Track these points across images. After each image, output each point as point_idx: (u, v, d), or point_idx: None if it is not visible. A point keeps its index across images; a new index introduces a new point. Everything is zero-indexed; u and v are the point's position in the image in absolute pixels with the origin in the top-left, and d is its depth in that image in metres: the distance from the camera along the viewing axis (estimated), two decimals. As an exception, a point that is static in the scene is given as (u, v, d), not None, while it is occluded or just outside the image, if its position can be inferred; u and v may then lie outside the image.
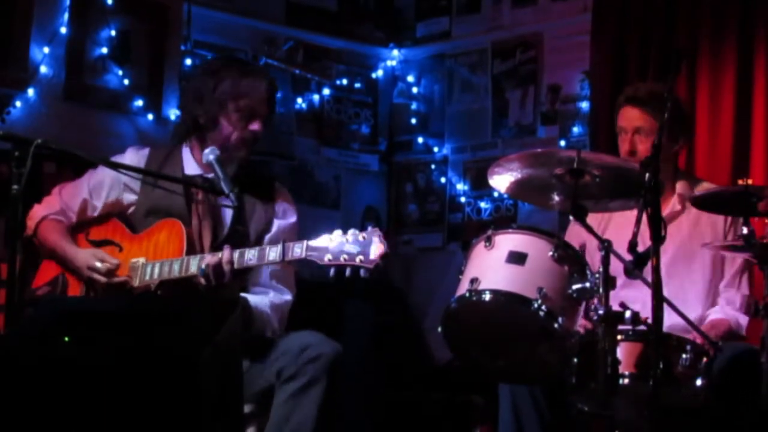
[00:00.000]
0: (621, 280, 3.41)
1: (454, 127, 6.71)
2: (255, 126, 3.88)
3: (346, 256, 3.46)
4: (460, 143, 6.66)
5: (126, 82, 5.76)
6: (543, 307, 3.34)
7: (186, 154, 3.98)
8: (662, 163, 3.30)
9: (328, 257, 3.49)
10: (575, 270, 3.43)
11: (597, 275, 3.33)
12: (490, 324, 3.48)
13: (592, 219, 3.54)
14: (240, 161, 3.90)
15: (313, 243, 3.51)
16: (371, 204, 6.83)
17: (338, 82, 6.69)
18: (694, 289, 4.09)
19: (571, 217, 3.49)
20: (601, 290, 3.30)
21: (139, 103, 5.80)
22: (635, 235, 3.13)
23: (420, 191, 6.82)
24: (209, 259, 3.62)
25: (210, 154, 3.80)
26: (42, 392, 2.77)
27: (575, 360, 3.42)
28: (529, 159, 3.50)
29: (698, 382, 3.46)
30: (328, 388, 3.60)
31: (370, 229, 3.50)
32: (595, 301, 3.33)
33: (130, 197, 3.95)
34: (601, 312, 3.26)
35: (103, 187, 3.96)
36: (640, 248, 3.13)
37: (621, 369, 3.31)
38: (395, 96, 6.93)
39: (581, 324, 3.52)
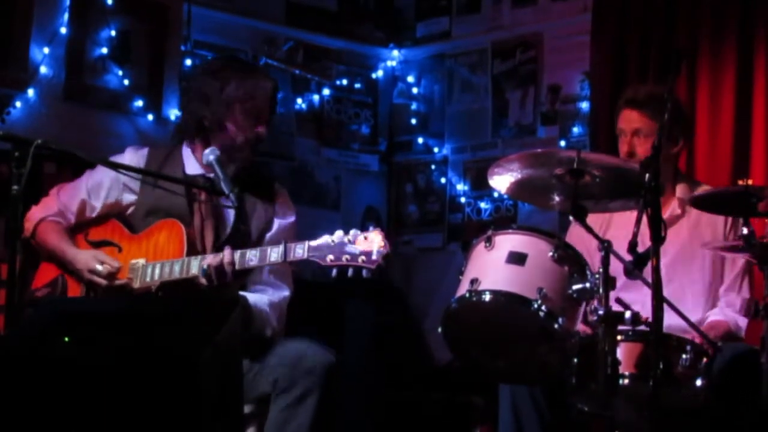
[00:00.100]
0: (621, 280, 3.41)
1: (454, 127, 6.71)
2: (261, 128, 3.90)
3: (348, 257, 3.47)
4: (460, 143, 6.66)
5: (126, 82, 5.76)
6: (543, 308, 3.34)
7: (187, 154, 3.97)
8: (662, 165, 3.30)
9: (330, 257, 3.49)
10: (575, 270, 3.43)
11: (597, 276, 3.33)
12: (490, 324, 3.48)
13: (593, 220, 3.54)
14: (244, 162, 3.90)
15: (315, 243, 3.52)
16: (371, 204, 6.83)
17: (338, 82, 6.69)
18: (694, 291, 4.09)
19: (571, 218, 3.50)
20: (601, 291, 3.29)
21: (139, 103, 5.80)
22: (635, 235, 3.13)
23: (420, 191, 6.82)
24: (210, 259, 3.62)
25: (210, 154, 3.80)
26: (42, 392, 2.77)
27: (575, 360, 3.42)
28: (529, 159, 3.50)
29: (698, 382, 3.46)
30: (323, 399, 3.60)
31: (372, 229, 3.50)
32: (595, 301, 3.33)
33: (129, 198, 3.95)
34: (601, 312, 3.26)
35: (102, 187, 3.95)
36: (640, 249, 3.13)
37: (621, 369, 3.31)
38: (395, 96, 6.93)
39: (580, 329, 3.51)
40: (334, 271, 3.50)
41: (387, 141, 6.91)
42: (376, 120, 6.87)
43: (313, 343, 3.72)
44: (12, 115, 5.40)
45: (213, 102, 3.87)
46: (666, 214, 4.07)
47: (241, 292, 3.81)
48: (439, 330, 3.50)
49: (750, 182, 3.52)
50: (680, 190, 4.19)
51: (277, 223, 3.95)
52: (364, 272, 3.47)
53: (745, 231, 3.56)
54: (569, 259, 3.44)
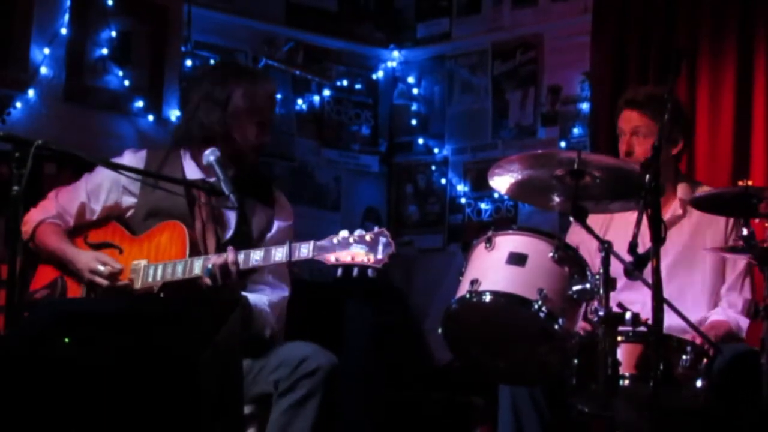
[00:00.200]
0: (621, 281, 3.41)
1: (454, 128, 6.71)
2: (267, 137, 3.93)
3: (353, 256, 3.47)
4: (461, 144, 6.66)
5: (126, 83, 5.76)
6: (543, 309, 3.34)
7: (186, 159, 3.97)
8: (662, 166, 3.30)
9: (335, 257, 3.49)
10: (576, 271, 3.43)
11: (597, 276, 3.33)
12: (491, 325, 3.48)
13: (593, 220, 3.54)
14: (247, 167, 3.91)
15: (320, 243, 3.52)
16: (372, 205, 6.83)
17: (338, 83, 6.69)
18: (695, 292, 4.09)
19: (571, 219, 3.50)
20: (601, 291, 3.29)
21: (140, 104, 5.80)
22: (635, 236, 3.13)
23: (420, 192, 6.82)
24: (215, 259, 3.62)
25: (210, 155, 3.80)
26: (42, 392, 2.77)
27: (575, 361, 3.42)
28: (529, 160, 3.50)
29: (698, 383, 3.46)
30: (325, 402, 3.61)
31: (376, 229, 3.51)
32: (596, 302, 3.33)
33: (129, 200, 3.94)
34: (601, 313, 3.26)
35: (101, 190, 3.95)
36: (641, 249, 3.13)
37: (621, 370, 3.31)
38: (395, 97, 6.93)
39: (580, 326, 3.52)
40: (340, 271, 3.51)
41: (387, 142, 6.91)
42: (376, 121, 6.87)
43: (314, 346, 3.73)
44: (12, 116, 5.40)
45: (219, 111, 3.86)
46: (667, 215, 4.08)
47: (242, 293, 3.81)
48: (440, 330, 3.50)
49: (750, 183, 3.52)
50: (681, 190, 4.19)
51: (276, 225, 3.96)
52: (370, 272, 3.48)
53: (745, 232, 3.56)
54: (569, 260, 3.44)
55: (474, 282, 3.42)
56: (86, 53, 5.69)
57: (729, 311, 4.04)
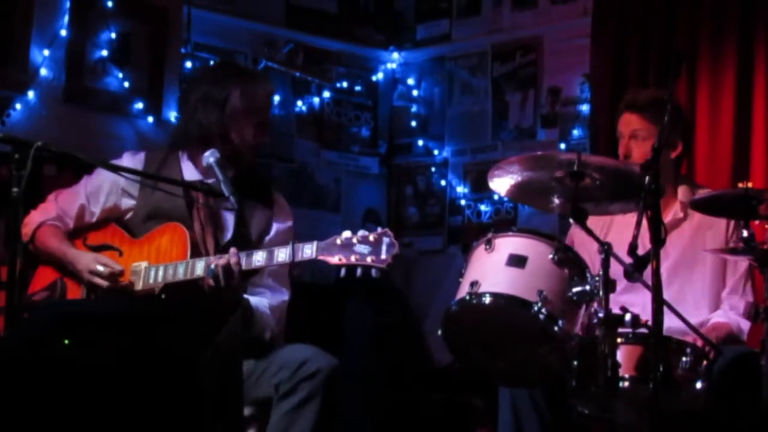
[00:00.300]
0: (622, 283, 3.41)
1: (454, 129, 6.71)
2: (265, 138, 3.92)
3: (357, 256, 3.47)
4: (460, 146, 6.66)
5: (126, 84, 5.76)
6: (543, 310, 3.34)
7: (184, 160, 3.97)
8: (662, 168, 3.30)
9: (338, 257, 3.49)
10: (575, 273, 3.43)
11: (597, 278, 3.33)
12: (491, 326, 3.48)
13: (593, 222, 3.54)
14: (246, 167, 3.91)
15: (323, 244, 3.52)
16: (371, 207, 6.84)
17: (338, 84, 6.70)
18: (696, 294, 4.09)
19: (571, 220, 3.50)
20: (601, 293, 3.29)
21: (140, 105, 5.80)
22: (635, 238, 3.13)
23: (420, 194, 6.82)
24: (217, 260, 3.62)
25: (210, 156, 3.80)
26: (42, 393, 2.77)
27: (575, 363, 3.42)
28: (529, 162, 3.50)
29: (698, 385, 3.46)
30: (325, 404, 3.61)
31: (380, 230, 3.51)
32: (595, 304, 3.33)
33: (128, 202, 3.94)
34: (601, 315, 3.26)
35: (100, 192, 3.95)
36: (641, 251, 3.13)
37: (621, 372, 3.31)
38: (395, 99, 6.93)
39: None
40: (343, 271, 3.51)
41: (387, 143, 6.91)
42: (376, 122, 6.88)
43: (314, 348, 3.73)
44: (12, 117, 5.41)
45: (217, 112, 3.87)
46: (668, 218, 4.07)
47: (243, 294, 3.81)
48: (439, 332, 3.51)
49: (750, 185, 3.52)
50: (682, 193, 4.18)
51: (275, 227, 3.96)
52: (373, 272, 3.48)
53: (745, 234, 3.56)
54: (569, 262, 3.44)
55: (474, 284, 3.42)
56: (86, 55, 5.69)
57: (730, 313, 4.04)
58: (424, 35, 6.86)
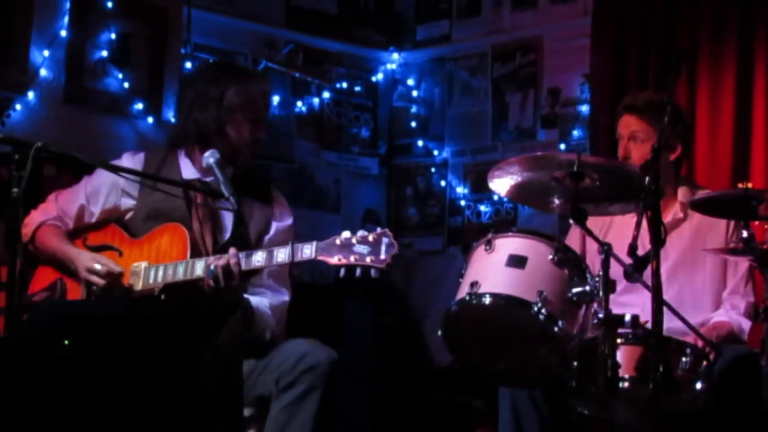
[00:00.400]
0: (622, 283, 3.41)
1: (454, 130, 6.71)
2: (261, 133, 3.92)
3: (356, 256, 3.47)
4: (460, 146, 6.66)
5: (126, 85, 5.76)
6: (543, 311, 3.34)
7: (183, 159, 3.98)
8: (661, 169, 3.30)
9: (337, 257, 3.49)
10: (575, 273, 3.43)
11: (597, 279, 3.33)
12: (490, 327, 3.48)
13: (593, 223, 3.54)
14: (244, 166, 3.92)
15: (323, 244, 3.52)
16: (371, 207, 6.84)
17: (338, 85, 6.70)
18: (696, 294, 4.09)
19: (571, 221, 3.50)
20: (601, 294, 3.29)
21: (139, 106, 5.80)
22: (635, 238, 3.13)
23: (420, 194, 6.82)
24: (217, 261, 3.62)
25: (210, 157, 3.80)
26: (42, 393, 2.77)
27: (575, 363, 3.42)
28: (529, 162, 3.51)
29: (698, 385, 3.46)
30: (325, 397, 3.61)
31: (379, 230, 3.51)
32: (595, 304, 3.33)
33: (128, 202, 3.95)
34: (601, 315, 3.26)
35: (100, 193, 3.96)
36: (640, 252, 3.13)
37: (621, 372, 3.31)
38: (395, 99, 6.93)
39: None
40: (342, 271, 3.51)
41: (387, 144, 6.91)
42: (376, 123, 6.88)
43: (314, 341, 3.73)
44: (12, 118, 5.40)
45: (213, 108, 3.88)
46: (668, 218, 4.08)
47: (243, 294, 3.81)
48: (439, 332, 3.51)
49: (750, 185, 3.52)
50: (682, 193, 4.19)
51: (274, 226, 3.96)
52: (373, 272, 3.48)
53: (744, 234, 3.56)
54: (569, 262, 3.45)
55: (474, 284, 3.42)
56: (86, 55, 5.69)
57: (731, 313, 4.04)
58: (424, 36, 6.86)
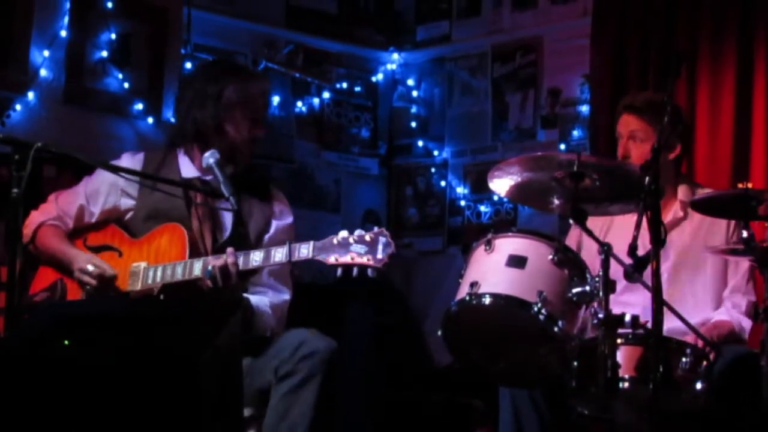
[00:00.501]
0: (622, 284, 3.41)
1: (454, 130, 6.71)
2: (260, 131, 3.92)
3: (353, 256, 3.47)
4: (460, 147, 6.66)
5: (126, 85, 5.76)
6: (543, 311, 3.34)
7: (182, 157, 3.98)
8: (661, 168, 3.30)
9: (334, 257, 3.49)
10: (575, 273, 3.43)
11: (597, 279, 3.33)
12: (490, 327, 3.48)
13: (593, 223, 3.54)
14: (243, 164, 3.92)
15: (320, 243, 3.52)
16: (371, 207, 6.84)
17: (338, 85, 6.70)
18: (696, 294, 4.09)
19: (571, 221, 3.50)
20: (601, 294, 3.29)
21: (140, 106, 5.80)
22: (635, 238, 3.13)
23: (420, 195, 6.82)
24: (215, 261, 3.62)
25: (210, 157, 3.80)
26: (42, 393, 2.77)
27: (575, 363, 3.42)
28: (529, 162, 3.51)
29: (698, 385, 3.46)
30: (324, 384, 3.61)
31: (376, 229, 3.51)
32: (595, 304, 3.33)
33: (127, 202, 3.95)
34: (600, 316, 3.26)
35: (100, 193, 3.96)
36: (640, 252, 3.13)
37: (621, 372, 3.31)
38: (395, 99, 6.93)
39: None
40: (339, 271, 3.50)
41: (387, 144, 6.91)
42: (376, 123, 6.88)
43: (312, 331, 3.73)
44: (12, 118, 5.40)
45: (212, 106, 3.88)
46: (668, 218, 4.08)
47: (243, 294, 3.81)
48: (439, 332, 3.51)
49: (750, 185, 3.52)
50: (682, 192, 4.19)
51: (274, 225, 3.96)
52: (370, 271, 3.48)
53: (744, 234, 3.56)
54: (569, 262, 3.45)
55: (473, 284, 3.42)
56: (86, 55, 5.69)
57: (732, 311, 4.04)
58: (424, 36, 6.86)
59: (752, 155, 5.32)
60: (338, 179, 6.72)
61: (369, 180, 6.85)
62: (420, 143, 6.78)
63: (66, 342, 2.82)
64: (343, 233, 3.51)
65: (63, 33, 5.58)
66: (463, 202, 6.61)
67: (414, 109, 6.84)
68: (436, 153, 6.72)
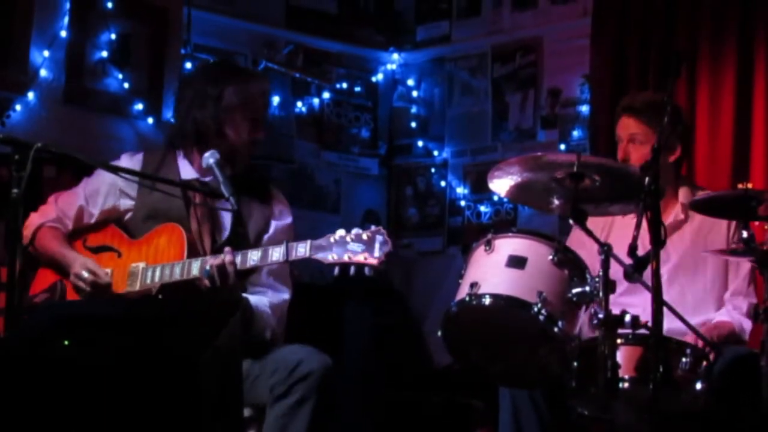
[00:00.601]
0: (622, 284, 3.41)
1: (454, 130, 6.71)
2: (260, 133, 3.92)
3: (350, 255, 3.46)
4: (460, 147, 6.66)
5: (126, 85, 5.76)
6: (543, 311, 3.34)
7: (181, 160, 3.98)
8: (661, 170, 3.30)
9: (332, 256, 3.48)
10: (575, 274, 3.43)
11: (597, 279, 3.33)
12: (490, 328, 3.48)
13: (594, 223, 3.53)
14: (242, 165, 3.92)
15: (317, 242, 3.52)
16: (371, 207, 6.83)
17: (338, 85, 6.70)
18: (697, 296, 4.09)
19: (571, 221, 3.50)
20: (601, 294, 3.29)
21: (139, 106, 5.80)
22: (635, 238, 3.13)
23: (420, 195, 6.82)
24: (212, 260, 3.62)
25: (210, 157, 3.80)
26: (42, 394, 2.77)
27: (575, 364, 3.42)
28: (529, 163, 3.51)
29: (698, 385, 3.46)
30: (319, 406, 3.60)
31: (373, 228, 3.50)
32: (595, 305, 3.33)
33: (126, 203, 3.95)
34: (601, 316, 3.26)
35: (99, 194, 3.96)
36: (640, 252, 3.13)
37: (621, 373, 3.31)
38: (395, 100, 6.93)
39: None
40: (337, 270, 3.50)
41: (387, 144, 6.91)
42: (376, 123, 6.88)
43: (309, 349, 3.72)
44: (12, 119, 5.40)
45: (211, 108, 3.88)
46: (669, 219, 4.08)
47: (243, 294, 3.81)
48: (439, 333, 3.51)
49: (750, 186, 3.52)
50: (683, 194, 4.18)
51: (274, 225, 3.96)
52: (367, 270, 3.47)
53: (744, 234, 3.56)
54: (569, 263, 3.45)
55: (473, 285, 3.42)
56: (86, 56, 5.69)
57: (734, 313, 4.04)
58: (424, 36, 6.86)
59: (752, 155, 5.32)
60: (338, 179, 6.72)
61: (369, 180, 6.85)
62: (420, 143, 6.78)
63: (66, 342, 2.82)
64: (341, 232, 3.50)
65: (63, 33, 5.58)
66: (463, 203, 6.61)
67: (414, 110, 6.84)
68: (436, 153, 6.72)
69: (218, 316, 2.86)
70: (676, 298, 3.91)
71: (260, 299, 3.84)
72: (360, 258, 3.46)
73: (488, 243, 3.51)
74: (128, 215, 3.94)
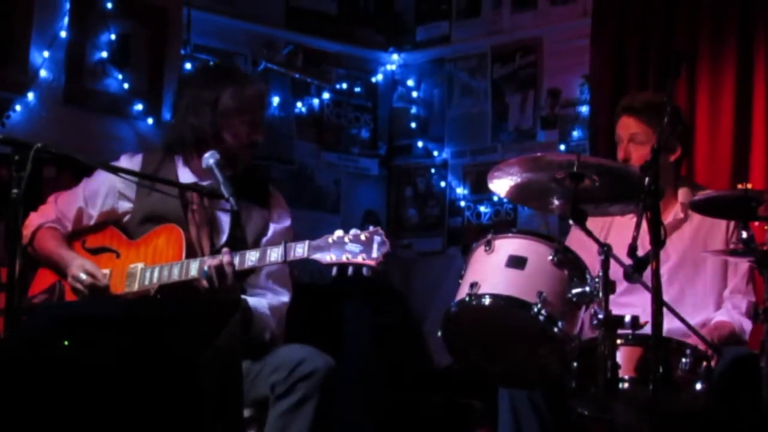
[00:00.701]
0: (622, 284, 3.41)
1: (453, 131, 6.71)
2: (259, 136, 3.91)
3: (348, 255, 3.46)
4: (460, 147, 6.67)
5: (126, 86, 5.76)
6: (543, 312, 3.34)
7: (180, 164, 3.97)
8: (661, 170, 3.30)
9: (330, 256, 3.48)
10: (575, 274, 3.43)
11: (597, 279, 3.33)
12: (490, 328, 3.48)
13: (594, 224, 3.53)
14: (243, 167, 3.91)
15: (315, 243, 3.51)
16: (371, 208, 6.84)
17: (338, 86, 6.70)
18: (697, 296, 4.09)
19: (571, 222, 3.50)
20: (600, 294, 3.29)
21: (139, 107, 5.80)
22: (635, 239, 3.13)
23: (420, 195, 6.82)
24: (210, 261, 3.62)
25: (210, 158, 3.79)
26: (42, 394, 2.77)
27: (575, 364, 3.42)
28: (528, 163, 3.50)
29: (698, 386, 3.46)
30: (321, 405, 3.60)
31: (372, 228, 3.50)
32: (595, 305, 3.33)
33: (125, 205, 3.94)
34: (600, 316, 3.26)
35: (98, 195, 3.95)
36: (640, 252, 3.13)
37: (621, 373, 3.31)
38: (395, 100, 6.93)
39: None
40: (335, 270, 3.50)
41: (387, 145, 6.91)
42: (375, 124, 6.88)
43: (311, 348, 3.72)
44: (12, 119, 5.40)
45: (209, 113, 3.86)
46: (668, 219, 4.08)
47: (242, 296, 3.81)
48: (439, 333, 3.50)
49: (749, 186, 3.52)
50: (682, 194, 4.18)
51: (272, 228, 3.95)
52: (365, 270, 3.46)
53: (744, 235, 3.56)
54: (569, 263, 3.44)
55: (473, 285, 3.42)
56: (86, 56, 5.69)
57: (733, 312, 4.04)
58: (423, 37, 6.86)
59: (752, 156, 5.32)
60: (338, 180, 6.72)
61: (369, 181, 6.85)
62: (420, 144, 6.78)
63: (66, 342, 2.82)
64: (339, 232, 3.50)
65: (63, 33, 5.58)
66: (462, 203, 6.61)
67: (414, 110, 6.84)
68: (435, 154, 6.72)
69: (218, 316, 2.86)
70: (676, 297, 3.91)
71: (259, 301, 3.84)
72: (358, 258, 3.45)
73: (488, 243, 3.51)
74: (127, 217, 3.94)
